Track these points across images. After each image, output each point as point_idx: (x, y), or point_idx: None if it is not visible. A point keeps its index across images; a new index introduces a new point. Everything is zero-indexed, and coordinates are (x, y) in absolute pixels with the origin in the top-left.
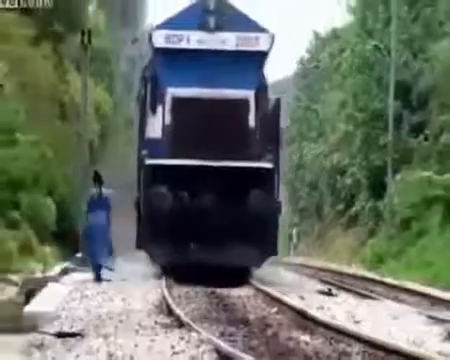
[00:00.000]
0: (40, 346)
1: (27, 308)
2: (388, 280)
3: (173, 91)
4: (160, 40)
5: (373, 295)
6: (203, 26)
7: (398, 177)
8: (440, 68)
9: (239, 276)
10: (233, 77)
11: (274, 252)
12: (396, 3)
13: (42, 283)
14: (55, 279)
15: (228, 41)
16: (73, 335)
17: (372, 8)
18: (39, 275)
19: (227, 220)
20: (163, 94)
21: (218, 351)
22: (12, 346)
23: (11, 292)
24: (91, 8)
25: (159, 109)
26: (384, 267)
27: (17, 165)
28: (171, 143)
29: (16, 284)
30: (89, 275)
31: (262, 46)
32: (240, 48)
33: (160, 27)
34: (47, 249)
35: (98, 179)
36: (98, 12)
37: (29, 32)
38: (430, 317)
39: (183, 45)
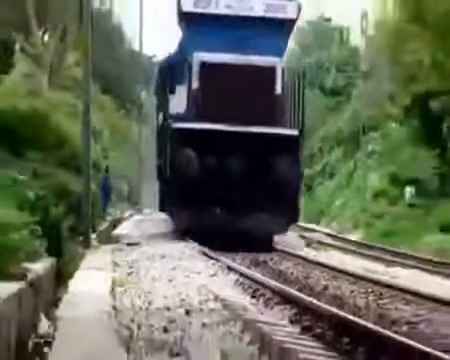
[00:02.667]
0: (119, 249)
1: (113, 232)
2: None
3: (201, 56)
4: (188, 4)
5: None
6: None
7: None
8: None
9: (263, 242)
10: (261, 44)
11: (297, 219)
12: None
13: (119, 220)
14: (126, 218)
15: (256, 8)
16: (135, 244)
17: None
18: (118, 216)
19: (253, 186)
20: (190, 59)
21: (231, 268)
22: (106, 249)
23: (106, 223)
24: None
25: (186, 75)
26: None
27: (109, 163)
28: (198, 107)
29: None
30: (142, 216)
31: (290, 14)
32: (268, 15)
33: None
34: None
35: (107, 170)
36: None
37: (113, 104)
38: (300, 236)
39: (211, 10)
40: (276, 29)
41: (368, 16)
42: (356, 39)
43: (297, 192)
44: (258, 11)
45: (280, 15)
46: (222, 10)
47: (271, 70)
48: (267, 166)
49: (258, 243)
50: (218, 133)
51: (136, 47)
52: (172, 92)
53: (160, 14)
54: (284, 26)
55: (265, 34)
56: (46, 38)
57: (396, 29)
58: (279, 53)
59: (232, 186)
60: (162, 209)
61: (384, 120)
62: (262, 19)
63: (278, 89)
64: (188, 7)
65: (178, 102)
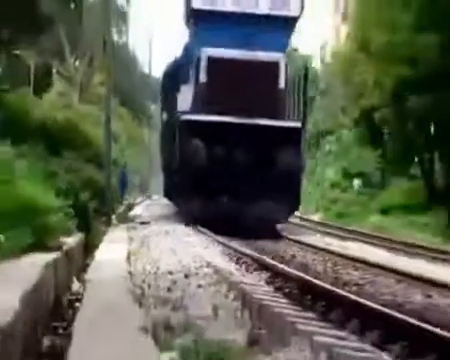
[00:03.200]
0: (133, 227)
1: (129, 213)
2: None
3: (209, 51)
4: (197, 1)
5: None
6: None
7: None
8: None
9: (267, 230)
10: (265, 40)
11: (298, 207)
12: None
13: (133, 205)
14: (138, 203)
15: (261, 5)
16: (145, 223)
17: None
18: (132, 202)
19: (258, 176)
20: (199, 54)
21: (220, 242)
22: (123, 227)
23: (123, 207)
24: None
25: (193, 71)
26: None
27: (126, 160)
28: (206, 100)
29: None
30: (151, 201)
31: (293, 12)
32: (273, 13)
33: None
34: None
35: (124, 165)
36: None
37: (129, 115)
38: None
39: (219, 7)
40: (280, 26)
41: (326, 47)
42: (317, 65)
43: (299, 182)
44: (263, 8)
45: (284, 12)
46: (229, 7)
47: (275, 65)
48: (271, 157)
49: (263, 230)
50: (225, 125)
51: (146, 70)
52: (179, 90)
53: (167, 43)
54: (288, 23)
55: (270, 31)
56: (77, 63)
57: (348, 57)
58: (282, 49)
59: (238, 176)
60: (166, 195)
61: (338, 127)
62: (267, 17)
63: (281, 83)
64: (197, 4)
65: (185, 98)
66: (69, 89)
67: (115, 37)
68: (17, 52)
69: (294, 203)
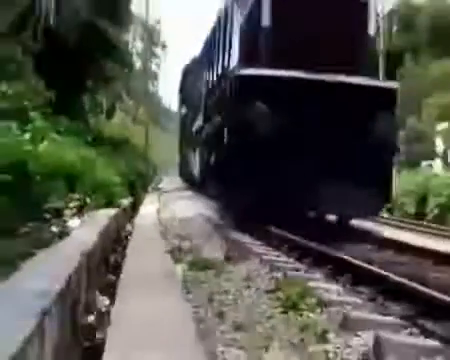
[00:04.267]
0: (160, 194)
1: (158, 186)
2: None
3: None
4: None
5: None
6: None
7: None
8: None
9: (345, 227)
10: None
11: (390, 198)
12: None
13: (160, 182)
14: (162, 180)
15: None
16: (167, 192)
17: None
18: (159, 180)
19: (341, 154)
20: None
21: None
22: (155, 194)
23: (154, 183)
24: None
25: (251, 14)
26: None
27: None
28: (269, 50)
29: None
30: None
31: None
32: None
33: None
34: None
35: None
36: None
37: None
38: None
39: None
40: None
41: None
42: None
43: (392, 164)
44: None
45: None
46: None
47: (364, 4)
48: (359, 129)
49: (345, 227)
50: (296, 82)
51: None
52: (228, 44)
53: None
54: None
55: None
56: (130, 102)
57: None
58: None
59: (313, 153)
60: (181, 175)
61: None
62: None
63: (371, 28)
64: None
65: (240, 50)
66: (125, 117)
67: (150, 87)
68: (96, 95)
69: (387, 192)
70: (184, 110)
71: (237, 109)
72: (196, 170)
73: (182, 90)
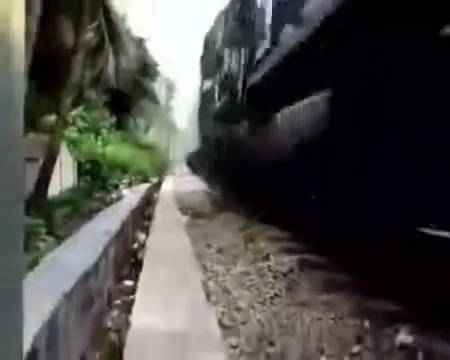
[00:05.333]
0: (174, 177)
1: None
2: None
3: None
4: None
5: None
6: None
7: None
8: None
9: None
10: None
11: None
12: None
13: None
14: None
15: None
16: (178, 176)
17: None
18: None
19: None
20: None
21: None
22: (170, 177)
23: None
24: None
25: None
26: None
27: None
28: None
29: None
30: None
31: None
32: None
33: None
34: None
35: None
36: None
37: None
38: None
39: None
40: None
41: None
42: None
43: None
44: None
45: None
46: None
47: None
48: None
49: None
50: None
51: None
52: None
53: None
54: None
55: None
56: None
57: None
58: None
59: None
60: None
61: None
62: None
63: None
64: None
65: None
66: (156, 131)
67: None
68: (138, 119)
69: None
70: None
71: None
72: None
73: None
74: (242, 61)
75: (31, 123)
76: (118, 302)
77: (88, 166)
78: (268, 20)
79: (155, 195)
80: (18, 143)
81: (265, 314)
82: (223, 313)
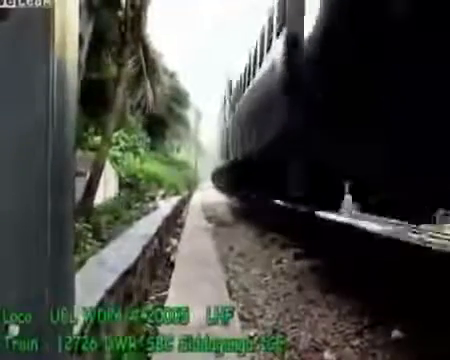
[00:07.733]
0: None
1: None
2: None
3: None
4: None
5: None
6: None
7: None
8: None
9: None
10: None
11: None
12: None
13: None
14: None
15: None
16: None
17: None
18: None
19: None
20: None
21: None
22: (197, 192)
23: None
24: None
25: None
26: None
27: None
28: None
29: None
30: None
31: None
32: None
33: None
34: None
35: None
36: None
37: None
38: None
39: None
40: None
41: None
42: None
43: None
44: None
45: None
46: None
47: None
48: None
49: None
50: None
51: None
52: None
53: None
54: None
55: None
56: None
57: None
58: None
59: None
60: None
61: None
62: None
63: None
64: None
65: None
66: (185, 151)
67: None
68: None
69: None
70: None
71: None
72: None
73: None
74: None
75: (80, 142)
76: (152, 298)
77: (128, 180)
78: None
79: (185, 206)
80: (70, 160)
81: (278, 310)
82: (242, 308)
